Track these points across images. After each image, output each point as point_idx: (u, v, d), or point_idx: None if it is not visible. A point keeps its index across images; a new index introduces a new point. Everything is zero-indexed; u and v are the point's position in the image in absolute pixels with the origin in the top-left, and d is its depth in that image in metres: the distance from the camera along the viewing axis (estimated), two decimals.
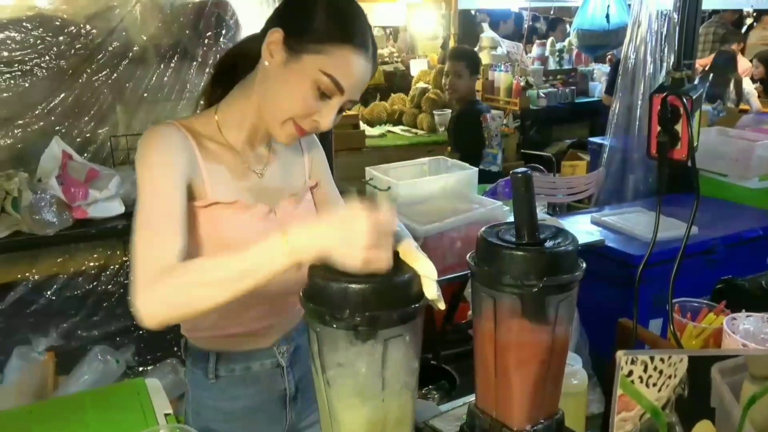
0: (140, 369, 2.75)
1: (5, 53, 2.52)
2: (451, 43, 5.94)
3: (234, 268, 0.92)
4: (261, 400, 1.29)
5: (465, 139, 3.68)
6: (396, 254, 0.85)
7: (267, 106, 1.14)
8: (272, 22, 1.13)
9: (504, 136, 4.59)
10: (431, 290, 0.85)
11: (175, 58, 2.77)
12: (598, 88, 6.13)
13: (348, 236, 0.84)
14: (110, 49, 2.67)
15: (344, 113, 1.17)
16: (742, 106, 5.25)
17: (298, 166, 1.32)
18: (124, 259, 2.72)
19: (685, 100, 1.09)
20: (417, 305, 0.78)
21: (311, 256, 0.88)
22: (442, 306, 0.87)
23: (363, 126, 5.16)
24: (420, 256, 0.88)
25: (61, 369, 2.58)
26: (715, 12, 6.60)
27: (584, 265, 0.90)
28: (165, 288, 0.95)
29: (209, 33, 2.78)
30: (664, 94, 1.11)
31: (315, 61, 1.07)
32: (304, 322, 1.11)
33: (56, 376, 2.56)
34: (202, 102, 1.31)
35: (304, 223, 0.92)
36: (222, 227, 1.15)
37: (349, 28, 1.09)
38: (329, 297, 0.75)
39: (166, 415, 1.26)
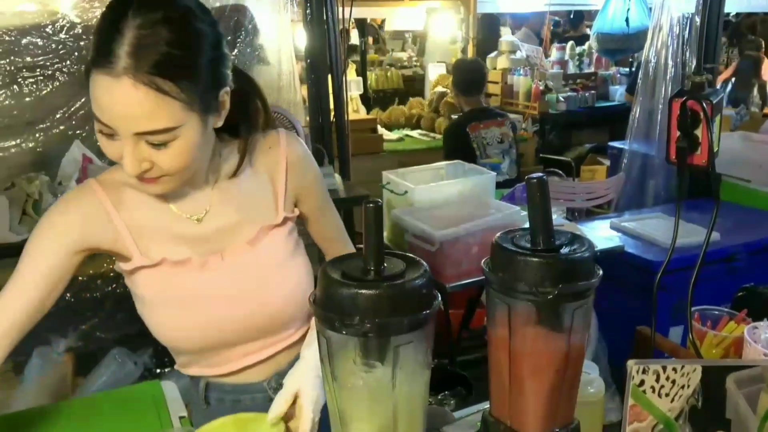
0: (157, 371, 2.77)
1: (28, 58, 2.56)
2: (470, 48, 5.93)
3: None
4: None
5: (452, 153, 3.63)
6: (406, 258, 0.83)
7: None
8: None
9: (522, 141, 4.56)
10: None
11: None
12: (618, 92, 6.08)
13: None
14: None
15: (166, 147, 0.93)
16: (767, 111, 5.17)
17: (263, 200, 1.16)
18: None
19: (704, 104, 1.07)
20: (428, 311, 0.77)
21: None
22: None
23: (381, 130, 5.16)
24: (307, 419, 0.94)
25: (79, 370, 2.62)
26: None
27: (601, 272, 0.89)
28: None
29: (228, 37, 2.80)
30: (684, 98, 1.09)
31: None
32: (297, 357, 1.11)
33: (75, 377, 2.59)
34: None
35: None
36: (163, 286, 1.10)
37: (92, 43, 0.90)
38: (339, 303, 0.74)
39: (180, 418, 1.26)
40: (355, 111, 5.58)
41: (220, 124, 1.03)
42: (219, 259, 1.11)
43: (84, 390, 2.56)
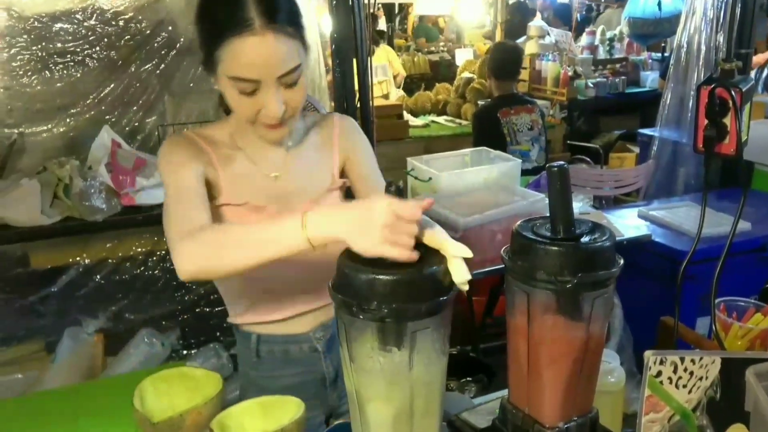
0: (184, 352, 2.83)
1: (59, 44, 2.61)
2: (498, 32, 5.86)
3: (257, 236, 0.98)
4: (301, 380, 1.34)
5: (483, 138, 3.62)
6: (424, 246, 0.84)
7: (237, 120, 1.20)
8: None
9: (550, 128, 4.51)
10: (460, 272, 0.83)
11: None
12: (649, 78, 5.95)
13: (365, 223, 0.85)
14: (158, 40, 2.73)
15: (296, 85, 1.13)
16: None
17: (323, 166, 1.32)
18: None
19: (734, 92, 1.04)
20: (445, 297, 0.77)
21: (329, 238, 0.91)
22: (466, 287, 0.85)
23: (407, 116, 5.14)
24: (447, 238, 0.86)
25: (109, 350, 2.68)
26: None
27: (622, 261, 0.88)
28: (197, 244, 1.02)
29: None
30: (712, 86, 1.07)
31: (222, 71, 1.10)
32: None
33: (104, 357, 2.66)
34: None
35: (325, 209, 0.94)
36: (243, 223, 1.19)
37: (220, 22, 1.07)
38: (357, 288, 0.75)
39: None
40: (384, 95, 5.58)
41: None
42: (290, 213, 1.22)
43: (113, 369, 2.62)
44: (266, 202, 1.23)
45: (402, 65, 6.33)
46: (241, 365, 1.39)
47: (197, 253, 1.02)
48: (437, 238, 0.86)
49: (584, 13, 7.82)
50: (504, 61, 3.77)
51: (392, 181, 0.89)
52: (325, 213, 0.93)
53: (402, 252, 0.82)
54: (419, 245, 0.84)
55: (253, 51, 1.06)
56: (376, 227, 0.83)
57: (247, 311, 1.31)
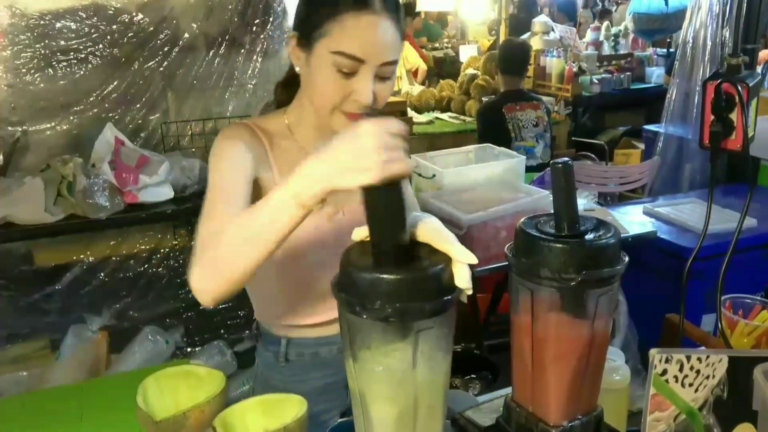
0: (188, 350, 2.83)
1: (62, 42, 2.61)
2: (502, 29, 5.84)
3: (252, 226, 0.92)
4: (327, 382, 1.32)
5: (487, 134, 3.61)
6: (428, 245, 0.83)
7: (314, 105, 1.16)
8: (293, 28, 1.16)
9: (555, 124, 4.49)
10: (463, 278, 0.79)
11: (224, 46, 2.81)
12: (655, 74, 5.92)
13: (357, 154, 0.79)
14: (161, 37, 2.73)
15: (389, 79, 1.12)
16: None
17: None
18: (173, 242, 2.80)
19: (740, 87, 1.03)
20: (450, 297, 0.77)
21: (320, 194, 0.85)
22: (469, 292, 0.83)
23: (411, 113, 5.13)
24: (454, 242, 0.82)
25: (113, 347, 2.68)
26: None
27: (627, 258, 0.87)
28: (206, 261, 0.97)
29: (257, 21, 2.81)
30: (719, 81, 1.06)
31: (324, 46, 1.07)
32: None
33: (109, 354, 2.66)
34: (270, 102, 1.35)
35: (307, 162, 0.87)
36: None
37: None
38: (360, 287, 0.74)
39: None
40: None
41: None
42: (340, 213, 1.24)
43: (118, 367, 2.62)
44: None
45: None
46: (263, 368, 1.36)
47: (208, 275, 0.97)
48: (443, 240, 0.82)
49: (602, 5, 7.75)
50: (512, 57, 3.78)
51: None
52: (307, 169, 0.86)
53: (401, 167, 0.78)
54: (423, 244, 0.83)
55: (368, 29, 1.06)
56: (370, 154, 0.78)
57: (283, 316, 1.29)
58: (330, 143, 0.85)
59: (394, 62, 1.10)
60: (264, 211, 0.90)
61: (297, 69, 1.14)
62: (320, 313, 1.27)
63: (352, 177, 0.80)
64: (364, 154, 0.79)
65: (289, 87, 1.27)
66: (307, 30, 1.09)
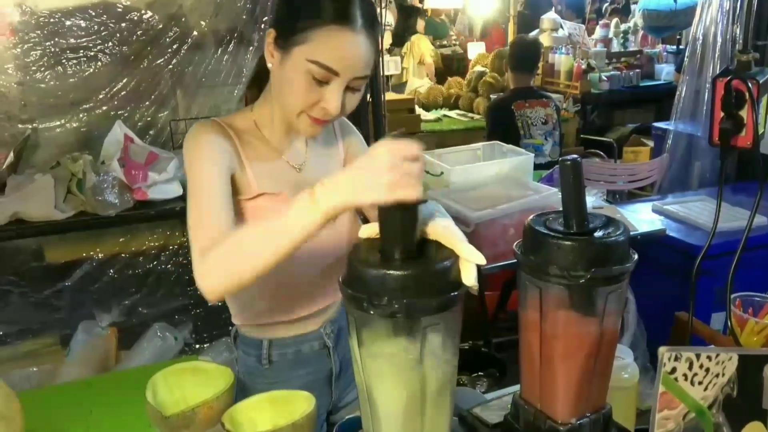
0: (197, 346, 2.84)
1: (72, 40, 2.62)
2: (510, 26, 5.82)
3: (269, 233, 0.96)
4: (310, 380, 1.34)
5: (496, 130, 3.61)
6: (436, 242, 0.83)
7: (280, 103, 1.18)
8: (270, 25, 1.17)
9: (564, 121, 4.48)
10: (470, 276, 0.81)
11: (232, 44, 2.81)
12: (664, 71, 5.89)
13: (370, 174, 0.84)
14: (170, 35, 2.74)
15: (359, 91, 1.16)
16: None
17: (334, 157, 1.34)
18: (182, 239, 2.80)
19: (750, 84, 1.03)
20: (456, 293, 0.77)
21: (340, 207, 0.89)
22: (475, 290, 0.84)
23: (418, 110, 5.12)
24: (462, 240, 0.84)
25: (122, 344, 2.69)
26: None
27: (636, 256, 0.87)
28: (214, 259, 1.01)
29: (265, 18, 2.81)
30: (729, 78, 1.05)
31: (301, 52, 1.09)
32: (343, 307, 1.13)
33: (118, 351, 2.67)
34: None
35: (329, 180, 0.91)
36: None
37: (323, 8, 1.08)
38: (367, 283, 0.74)
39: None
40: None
41: None
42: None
43: (127, 363, 2.63)
44: (293, 193, 1.23)
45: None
46: (246, 376, 1.36)
47: (216, 273, 1.01)
48: (452, 238, 0.83)
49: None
50: (524, 54, 3.78)
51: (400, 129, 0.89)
52: (332, 182, 0.91)
53: (410, 192, 0.80)
54: (431, 241, 0.83)
55: (347, 45, 1.09)
56: (382, 173, 0.82)
57: (261, 315, 1.30)
58: (351, 165, 0.91)
59: (366, 77, 1.15)
60: (283, 220, 0.94)
61: (269, 65, 1.16)
62: (302, 308, 1.30)
63: (363, 194, 0.85)
64: (375, 177, 0.83)
65: (259, 80, 1.28)
66: (286, 33, 1.11)
